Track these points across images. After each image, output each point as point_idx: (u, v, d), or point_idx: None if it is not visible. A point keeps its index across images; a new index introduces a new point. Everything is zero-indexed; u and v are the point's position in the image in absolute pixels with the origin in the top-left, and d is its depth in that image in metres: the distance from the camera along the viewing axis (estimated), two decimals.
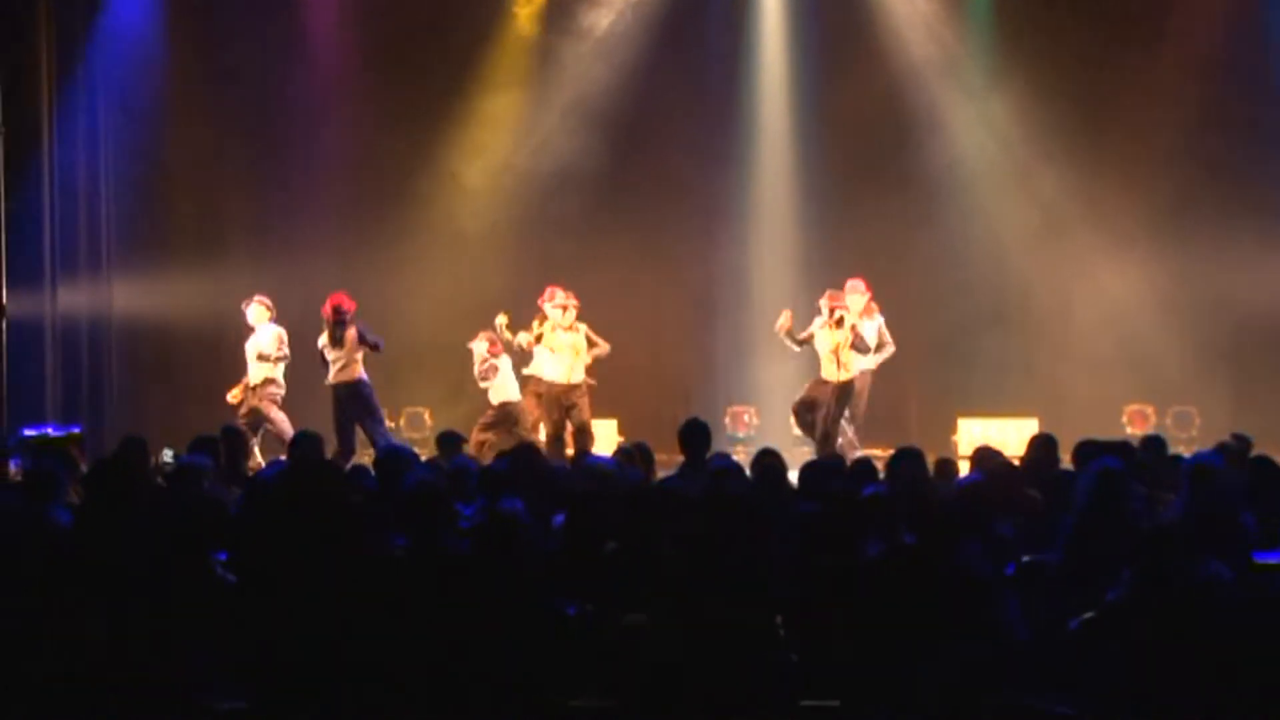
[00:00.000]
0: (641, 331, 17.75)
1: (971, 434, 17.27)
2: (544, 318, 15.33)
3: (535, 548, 6.56)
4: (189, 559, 6.45)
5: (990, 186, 18.08)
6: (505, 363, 15.54)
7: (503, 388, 15.59)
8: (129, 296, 17.76)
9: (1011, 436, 16.04)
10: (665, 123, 18.24)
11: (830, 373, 14.98)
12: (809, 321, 15.19)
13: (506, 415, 15.41)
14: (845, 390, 14.99)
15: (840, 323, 14.80)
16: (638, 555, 6.59)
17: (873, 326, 15.64)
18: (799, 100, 18.35)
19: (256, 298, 15.67)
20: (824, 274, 16.53)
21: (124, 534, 6.66)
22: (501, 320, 15.28)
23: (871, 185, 17.91)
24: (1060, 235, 18.04)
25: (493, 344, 15.39)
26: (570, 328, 15.28)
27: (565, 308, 15.27)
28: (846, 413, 15.27)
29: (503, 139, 18.37)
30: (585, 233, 18.06)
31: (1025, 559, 7.04)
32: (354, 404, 14.91)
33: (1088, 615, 6.18)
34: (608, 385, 15.94)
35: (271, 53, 17.91)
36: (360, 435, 14.97)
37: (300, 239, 18.06)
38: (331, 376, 14.98)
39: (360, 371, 15.03)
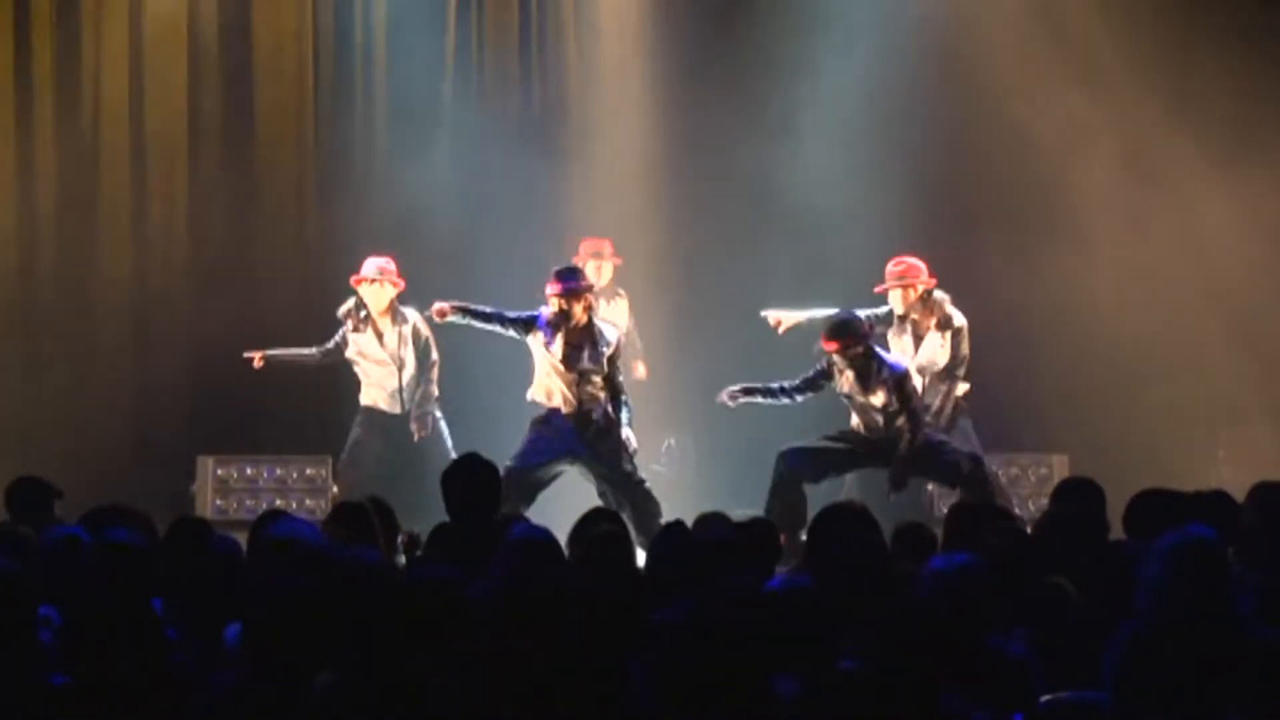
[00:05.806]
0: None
1: None
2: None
3: (191, 685, 4.41)
4: None
5: None
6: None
7: None
8: None
9: (1030, 486, 11.44)
10: None
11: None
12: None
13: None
14: None
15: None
16: (375, 699, 4.28)
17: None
18: None
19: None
20: None
21: None
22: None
23: None
24: None
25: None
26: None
27: (379, 281, 10.28)
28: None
29: None
30: None
31: (1047, 699, 4.94)
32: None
33: None
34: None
35: None
36: None
37: None
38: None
39: None
